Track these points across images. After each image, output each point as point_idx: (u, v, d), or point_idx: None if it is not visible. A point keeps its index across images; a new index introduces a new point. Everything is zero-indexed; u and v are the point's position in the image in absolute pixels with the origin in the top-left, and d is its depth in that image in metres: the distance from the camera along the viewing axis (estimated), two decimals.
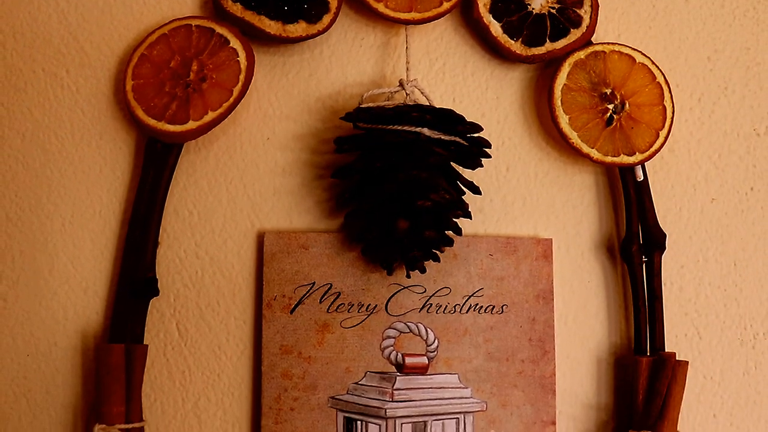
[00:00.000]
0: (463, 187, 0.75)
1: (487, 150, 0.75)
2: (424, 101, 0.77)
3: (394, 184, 0.71)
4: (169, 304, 0.77)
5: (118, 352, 0.72)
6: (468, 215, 0.74)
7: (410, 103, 0.74)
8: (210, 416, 0.77)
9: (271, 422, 0.75)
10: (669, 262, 0.80)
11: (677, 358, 0.76)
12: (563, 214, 0.80)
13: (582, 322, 0.80)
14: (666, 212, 0.81)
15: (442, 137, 0.72)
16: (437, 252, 0.74)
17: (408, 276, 0.75)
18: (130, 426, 0.72)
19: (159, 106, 0.75)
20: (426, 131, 0.72)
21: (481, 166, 0.74)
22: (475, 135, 0.75)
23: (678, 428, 0.76)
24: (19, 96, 0.78)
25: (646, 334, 0.78)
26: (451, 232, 0.75)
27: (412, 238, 0.72)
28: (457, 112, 0.74)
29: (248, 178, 0.78)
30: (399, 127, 0.72)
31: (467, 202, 0.75)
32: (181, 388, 0.77)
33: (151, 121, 0.75)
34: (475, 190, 0.74)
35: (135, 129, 0.78)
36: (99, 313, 0.77)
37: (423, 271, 0.75)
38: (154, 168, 0.76)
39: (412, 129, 0.72)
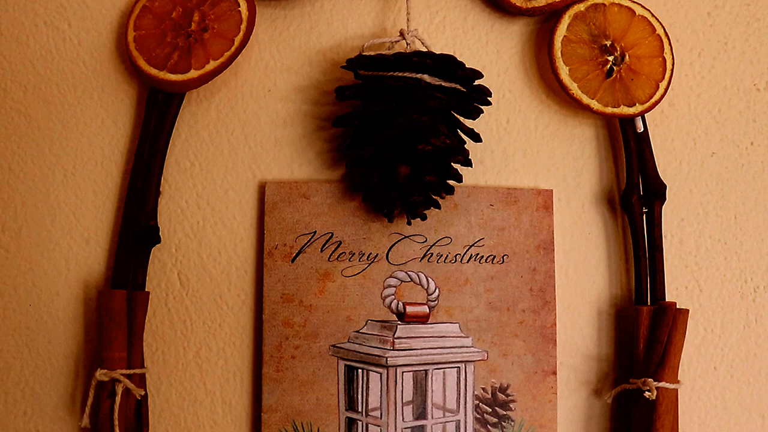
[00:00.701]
0: (463, 136, 0.75)
1: (487, 98, 0.75)
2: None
3: (395, 128, 0.71)
4: (170, 254, 0.77)
5: (120, 298, 0.73)
6: (468, 162, 0.75)
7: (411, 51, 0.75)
8: (211, 365, 0.77)
9: (272, 370, 0.75)
10: (669, 214, 0.81)
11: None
12: (563, 166, 0.81)
13: (582, 274, 0.80)
14: (666, 165, 0.81)
15: (443, 84, 0.73)
16: (438, 198, 0.75)
17: (409, 223, 0.75)
18: (131, 371, 0.73)
19: (161, 56, 0.75)
20: (426, 77, 0.72)
21: (482, 112, 0.75)
22: (475, 83, 0.75)
23: (678, 378, 0.76)
24: (22, 49, 0.79)
25: (646, 284, 0.78)
26: (452, 181, 0.75)
27: (412, 183, 0.72)
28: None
29: (249, 130, 0.79)
30: (399, 74, 0.72)
31: (468, 151, 0.75)
32: (182, 337, 0.77)
33: (153, 71, 0.75)
34: (476, 138, 0.75)
35: (136, 81, 0.78)
36: (101, 263, 0.77)
37: (424, 218, 0.75)
38: (155, 118, 0.76)
39: (413, 75, 0.72)
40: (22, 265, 0.77)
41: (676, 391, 0.75)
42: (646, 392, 0.73)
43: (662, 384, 0.74)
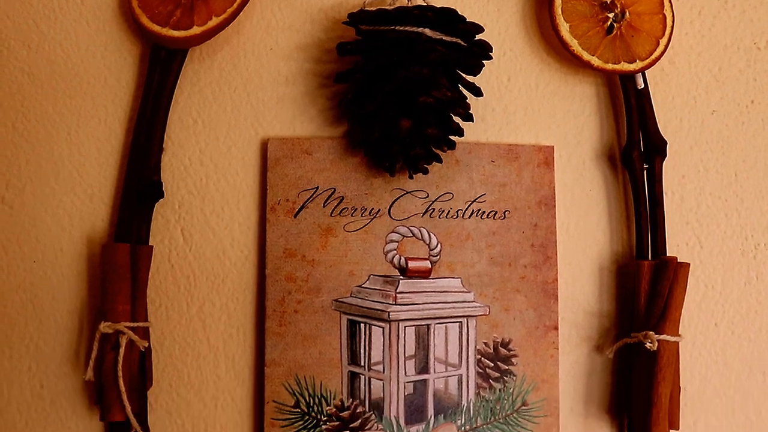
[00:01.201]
0: (464, 91, 0.75)
1: (488, 53, 0.75)
2: None
3: (396, 82, 0.72)
4: (173, 210, 0.78)
5: (124, 251, 0.73)
6: (470, 117, 0.75)
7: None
8: (214, 320, 0.77)
9: (275, 324, 0.75)
10: (670, 171, 0.81)
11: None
12: (564, 124, 0.81)
13: (584, 230, 0.80)
14: (667, 123, 0.82)
15: (444, 38, 0.73)
16: (439, 152, 0.75)
17: (411, 177, 0.76)
18: (135, 324, 0.73)
19: (163, 13, 0.76)
20: (427, 31, 0.72)
21: (483, 66, 0.75)
22: (476, 38, 0.75)
23: (680, 332, 0.76)
24: (25, 8, 0.79)
25: (647, 239, 0.78)
26: (453, 136, 0.75)
27: (414, 136, 0.73)
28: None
29: (252, 87, 0.79)
30: (400, 27, 0.72)
31: (469, 105, 0.75)
32: (185, 293, 0.77)
33: (156, 27, 0.75)
34: (477, 92, 0.75)
35: (139, 39, 0.79)
36: (104, 220, 0.78)
37: (425, 172, 0.75)
38: (158, 75, 0.77)
39: (414, 29, 0.72)
40: (27, 222, 0.77)
41: (677, 344, 0.75)
42: (647, 344, 0.73)
43: (663, 337, 0.74)
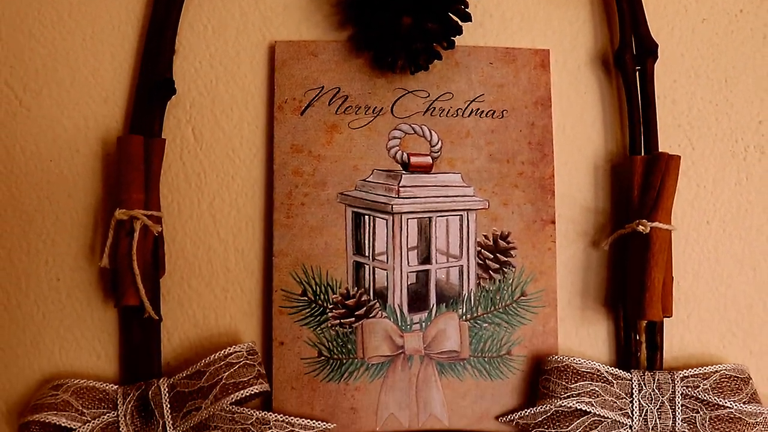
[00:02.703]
0: None
1: None
2: None
3: None
4: (185, 111, 0.81)
5: (138, 142, 0.76)
6: (467, 16, 0.78)
7: None
8: (224, 215, 0.80)
9: (282, 216, 0.78)
10: (662, 77, 0.84)
11: None
12: (560, 29, 0.84)
13: (579, 131, 0.83)
14: (659, 31, 0.85)
15: None
16: (439, 49, 0.78)
17: (412, 73, 0.79)
18: (149, 213, 0.76)
19: None
20: None
21: None
22: None
23: (672, 223, 0.79)
24: None
25: (640, 137, 0.81)
26: (453, 36, 0.78)
27: (414, 31, 0.76)
28: None
29: None
30: None
31: (463, 27, 0.79)
32: (196, 189, 0.80)
33: None
34: None
35: None
36: (118, 121, 0.81)
37: (426, 68, 0.78)
38: None
39: None
40: (43, 124, 0.80)
41: (669, 233, 0.78)
42: (640, 228, 0.76)
43: (656, 224, 0.77)
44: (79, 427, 0.75)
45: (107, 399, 0.76)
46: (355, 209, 0.79)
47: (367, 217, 0.79)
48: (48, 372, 0.79)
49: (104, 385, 0.76)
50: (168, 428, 0.75)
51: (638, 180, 0.80)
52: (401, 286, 0.78)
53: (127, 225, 0.75)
